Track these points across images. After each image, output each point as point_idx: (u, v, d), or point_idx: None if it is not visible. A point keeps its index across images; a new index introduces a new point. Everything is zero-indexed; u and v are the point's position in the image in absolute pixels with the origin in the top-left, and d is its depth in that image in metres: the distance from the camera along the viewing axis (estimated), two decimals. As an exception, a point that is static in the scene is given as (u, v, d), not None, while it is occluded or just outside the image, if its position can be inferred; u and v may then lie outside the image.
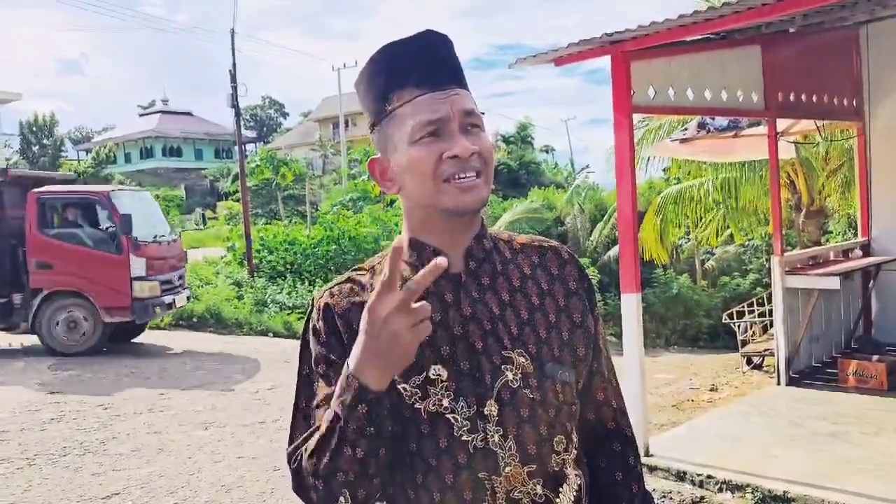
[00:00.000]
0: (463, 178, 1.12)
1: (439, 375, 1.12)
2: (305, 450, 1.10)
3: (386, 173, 1.19)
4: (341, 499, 1.06)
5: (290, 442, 1.18)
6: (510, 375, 1.14)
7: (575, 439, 1.21)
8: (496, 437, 1.12)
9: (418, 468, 1.13)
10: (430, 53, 1.15)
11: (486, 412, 1.12)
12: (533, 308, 1.19)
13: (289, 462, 1.15)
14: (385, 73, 1.15)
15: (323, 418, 1.08)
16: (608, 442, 1.30)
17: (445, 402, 1.12)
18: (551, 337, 1.18)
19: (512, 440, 1.13)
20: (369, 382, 1.00)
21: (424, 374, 1.12)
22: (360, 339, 1.00)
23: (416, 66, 1.14)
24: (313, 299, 1.22)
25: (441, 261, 0.98)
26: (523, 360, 1.15)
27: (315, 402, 1.16)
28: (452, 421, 1.12)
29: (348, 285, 1.20)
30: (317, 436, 1.08)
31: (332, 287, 1.21)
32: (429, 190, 1.13)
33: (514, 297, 1.19)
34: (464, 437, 1.12)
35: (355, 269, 1.25)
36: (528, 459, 1.14)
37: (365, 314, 0.99)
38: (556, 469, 1.17)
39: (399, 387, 1.11)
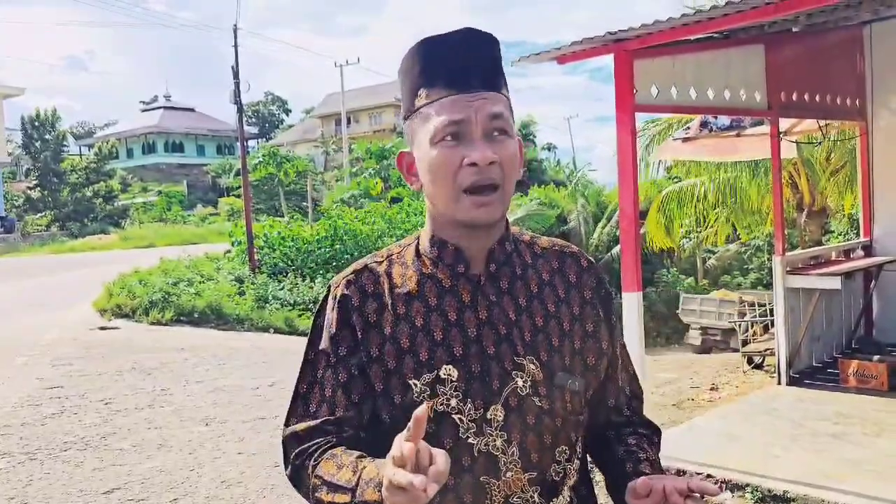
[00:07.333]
0: (481, 195, 1.11)
1: (449, 375, 1.12)
2: (314, 473, 1.09)
3: (412, 168, 1.19)
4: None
5: (286, 425, 1.19)
6: (520, 382, 1.13)
7: (579, 450, 1.21)
8: (498, 442, 1.12)
9: None
10: (465, 53, 1.13)
11: (489, 416, 1.12)
12: (548, 315, 1.19)
13: (284, 445, 1.17)
14: (418, 68, 1.15)
15: (341, 476, 1.05)
16: (619, 425, 1.29)
17: (453, 403, 1.12)
18: (563, 346, 1.18)
19: (515, 446, 1.13)
20: None
21: (435, 372, 1.12)
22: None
23: (449, 65, 1.13)
24: (329, 286, 1.22)
25: (420, 414, 0.89)
26: (534, 367, 1.15)
27: (315, 393, 1.17)
28: (458, 422, 1.11)
29: (365, 274, 1.20)
30: (330, 480, 1.06)
31: (349, 275, 1.20)
32: (447, 196, 1.13)
33: (531, 303, 1.18)
34: (470, 440, 1.12)
35: (372, 257, 1.24)
36: (530, 466, 1.14)
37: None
38: (556, 479, 1.17)
39: (410, 382, 1.12)
